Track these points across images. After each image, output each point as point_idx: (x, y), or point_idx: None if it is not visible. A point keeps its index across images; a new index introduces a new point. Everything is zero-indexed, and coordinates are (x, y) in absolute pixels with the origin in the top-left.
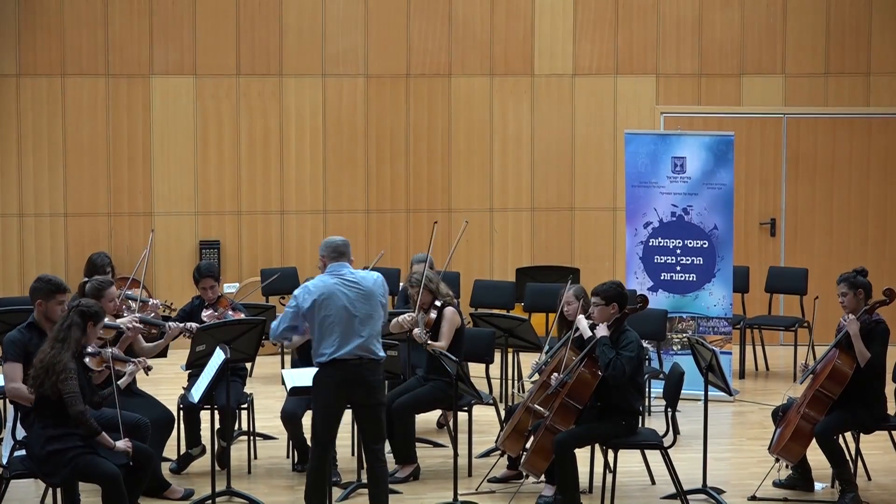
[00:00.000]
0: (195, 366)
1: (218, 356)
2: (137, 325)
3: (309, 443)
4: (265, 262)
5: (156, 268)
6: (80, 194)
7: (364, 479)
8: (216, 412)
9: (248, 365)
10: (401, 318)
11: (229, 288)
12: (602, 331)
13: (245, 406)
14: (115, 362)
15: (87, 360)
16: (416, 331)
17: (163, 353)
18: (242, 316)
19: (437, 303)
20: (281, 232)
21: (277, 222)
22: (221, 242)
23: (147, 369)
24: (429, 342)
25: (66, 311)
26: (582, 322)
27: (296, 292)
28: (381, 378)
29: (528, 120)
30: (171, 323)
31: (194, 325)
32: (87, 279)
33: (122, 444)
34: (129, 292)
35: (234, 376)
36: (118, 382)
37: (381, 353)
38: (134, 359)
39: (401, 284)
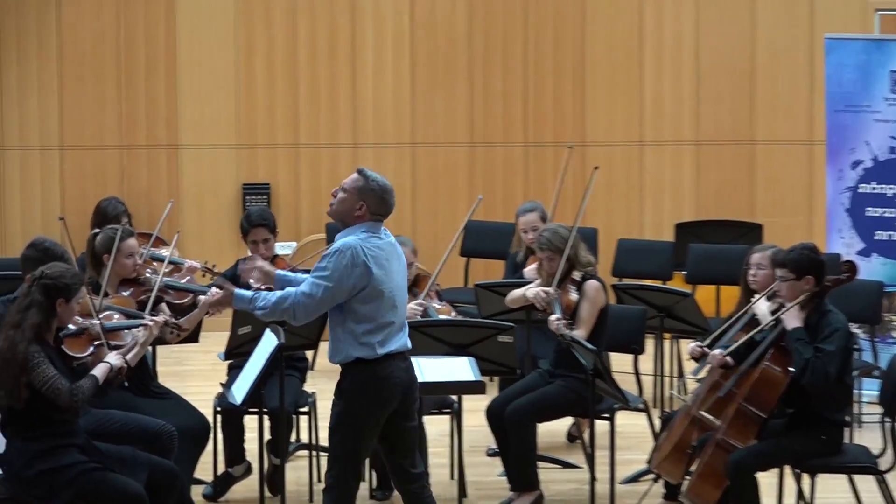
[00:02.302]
0: (237, 354)
1: (268, 342)
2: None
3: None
4: None
5: (183, 221)
6: (82, 121)
7: None
8: (266, 418)
9: (310, 354)
10: (530, 291)
11: (282, 248)
12: (794, 321)
13: (305, 410)
14: (111, 335)
15: (64, 346)
16: (552, 318)
17: (193, 337)
18: None
19: (576, 275)
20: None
21: (348, 159)
22: (272, 187)
23: (175, 328)
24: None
25: (27, 284)
26: (761, 308)
27: (334, 260)
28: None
29: (692, 22)
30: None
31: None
32: (97, 231)
33: (115, 359)
34: (157, 251)
35: (291, 369)
36: (127, 357)
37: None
38: (144, 317)
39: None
